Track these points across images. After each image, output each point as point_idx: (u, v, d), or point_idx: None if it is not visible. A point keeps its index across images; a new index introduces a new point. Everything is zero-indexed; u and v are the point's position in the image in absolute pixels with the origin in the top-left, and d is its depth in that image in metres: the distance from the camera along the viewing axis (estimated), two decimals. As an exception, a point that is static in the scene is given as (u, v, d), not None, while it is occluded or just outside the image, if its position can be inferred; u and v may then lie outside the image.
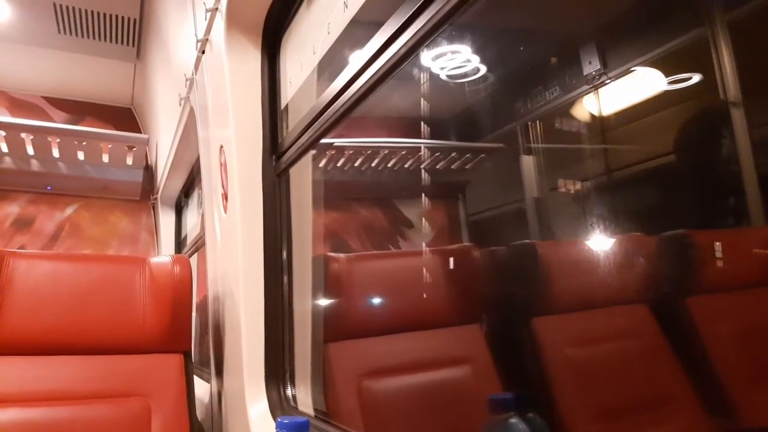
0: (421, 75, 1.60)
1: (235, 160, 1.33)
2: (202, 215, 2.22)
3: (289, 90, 1.36)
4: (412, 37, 0.80)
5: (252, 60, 1.36)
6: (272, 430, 1.08)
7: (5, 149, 2.74)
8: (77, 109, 3.25)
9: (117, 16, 2.43)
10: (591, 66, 1.26)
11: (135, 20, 2.47)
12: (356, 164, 2.13)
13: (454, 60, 1.57)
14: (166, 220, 3.24)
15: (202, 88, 1.66)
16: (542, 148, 1.48)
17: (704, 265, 0.97)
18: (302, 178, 1.35)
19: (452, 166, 1.95)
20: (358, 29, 1.00)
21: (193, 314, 1.47)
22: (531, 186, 1.46)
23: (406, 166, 2.09)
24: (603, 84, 1.22)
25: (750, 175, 0.81)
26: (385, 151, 2.08)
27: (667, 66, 0.97)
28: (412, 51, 0.82)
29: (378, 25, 0.87)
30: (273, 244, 1.32)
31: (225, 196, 1.42)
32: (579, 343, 1.10)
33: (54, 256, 1.43)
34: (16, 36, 2.58)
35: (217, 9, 1.36)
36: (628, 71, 1.16)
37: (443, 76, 1.61)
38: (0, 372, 1.24)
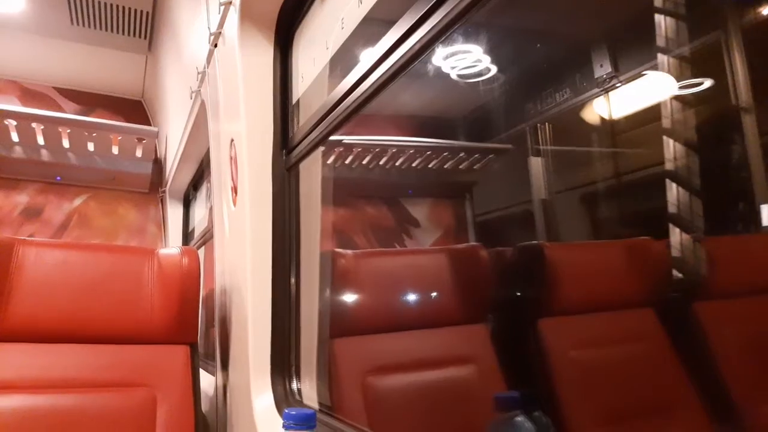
0: (433, 74, 1.60)
1: (246, 154, 1.34)
2: (211, 208, 2.23)
3: (300, 85, 1.37)
4: (425, 34, 0.80)
5: (264, 54, 1.36)
6: (277, 423, 1.08)
7: (16, 138, 2.76)
8: (88, 100, 3.27)
9: (130, 9, 2.45)
10: (602, 69, 1.25)
11: (148, 13, 2.49)
12: (364, 162, 2.14)
13: (465, 59, 1.57)
14: (174, 212, 3.25)
15: (213, 82, 1.67)
16: (551, 150, 1.48)
17: (712, 270, 0.97)
18: (312, 173, 1.36)
19: (460, 166, 1.95)
20: (372, 26, 1.00)
21: (200, 307, 1.48)
22: (539, 187, 1.46)
23: (413, 165, 2.10)
24: (614, 87, 1.22)
25: (760, 179, 0.80)
26: (394, 150, 2.08)
27: (679, 70, 0.97)
28: (424, 49, 0.82)
29: (391, 22, 0.88)
30: (281, 238, 1.32)
31: (234, 190, 1.43)
32: (585, 345, 1.11)
33: (64, 245, 1.44)
34: (30, 26, 2.60)
35: (230, 2, 1.36)
36: (639, 75, 1.16)
37: (454, 76, 1.62)
38: (7, 359, 1.25)
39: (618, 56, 1.22)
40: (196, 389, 1.37)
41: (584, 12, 1.26)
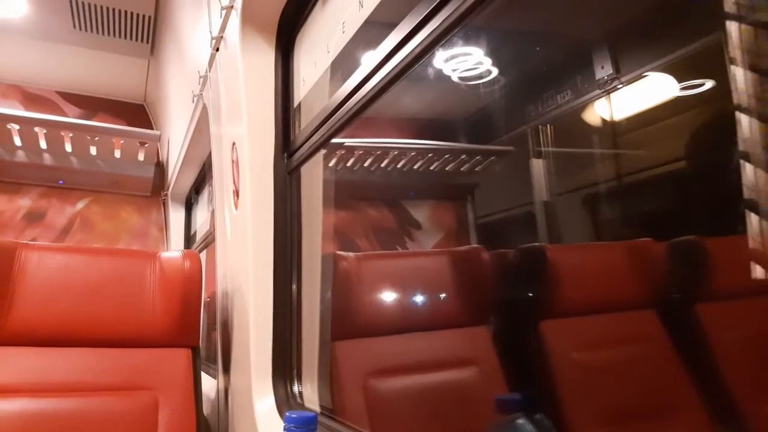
0: (434, 76, 1.60)
1: (247, 158, 1.34)
2: (213, 212, 2.23)
3: (302, 88, 1.37)
4: (426, 38, 0.80)
5: (266, 58, 1.37)
6: (279, 426, 1.08)
7: (18, 143, 2.77)
8: (90, 104, 3.27)
9: (132, 13, 2.46)
10: (603, 71, 1.25)
11: (150, 17, 2.49)
12: (366, 164, 2.14)
13: (467, 62, 1.57)
14: (176, 216, 3.26)
15: (215, 86, 1.67)
16: (552, 151, 1.48)
17: (713, 272, 0.96)
18: (313, 176, 1.36)
19: (462, 168, 1.95)
20: (373, 29, 1.00)
21: (202, 310, 1.48)
22: (540, 189, 1.46)
23: (415, 167, 2.09)
24: (615, 89, 1.22)
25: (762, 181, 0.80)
26: (395, 152, 2.08)
27: (681, 72, 0.96)
28: (425, 52, 0.82)
29: (392, 25, 0.88)
30: (283, 241, 1.33)
31: (236, 193, 1.43)
32: (587, 347, 1.10)
33: (66, 249, 1.44)
34: (33, 31, 2.61)
35: (232, 7, 1.37)
36: (640, 76, 1.16)
37: (455, 78, 1.62)
38: (10, 362, 1.25)
39: (619, 58, 1.22)
40: (198, 392, 1.37)
41: (585, 14, 1.27)
